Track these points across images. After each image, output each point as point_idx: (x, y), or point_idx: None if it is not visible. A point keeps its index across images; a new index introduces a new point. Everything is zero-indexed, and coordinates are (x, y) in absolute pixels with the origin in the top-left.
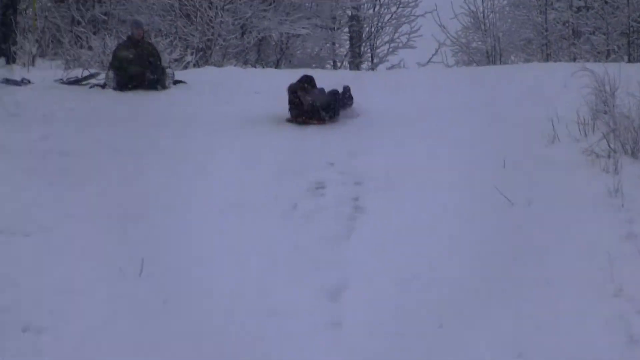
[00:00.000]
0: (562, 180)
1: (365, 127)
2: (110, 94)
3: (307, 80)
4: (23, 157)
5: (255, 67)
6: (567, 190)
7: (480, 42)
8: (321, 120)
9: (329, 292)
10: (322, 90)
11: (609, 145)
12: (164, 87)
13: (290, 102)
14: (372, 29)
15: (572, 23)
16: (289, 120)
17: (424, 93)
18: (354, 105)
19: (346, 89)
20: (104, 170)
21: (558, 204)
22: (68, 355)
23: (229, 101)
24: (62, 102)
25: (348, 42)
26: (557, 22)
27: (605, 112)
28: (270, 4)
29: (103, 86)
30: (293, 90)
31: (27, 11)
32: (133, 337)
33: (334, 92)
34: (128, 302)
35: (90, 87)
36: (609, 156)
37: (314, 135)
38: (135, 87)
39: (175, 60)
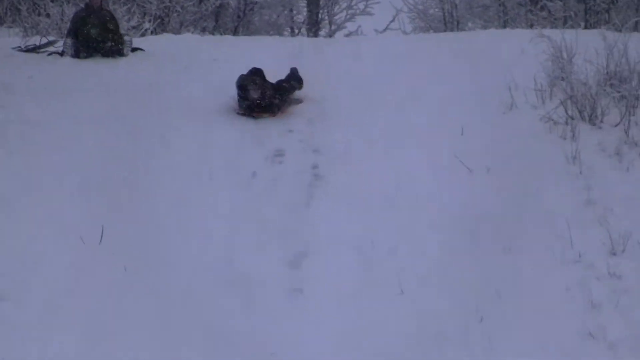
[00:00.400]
0: (521, 147)
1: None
2: (69, 61)
3: (256, 73)
4: None
5: (213, 34)
6: (526, 157)
7: (437, 9)
8: (272, 113)
9: (290, 260)
10: (270, 83)
11: (567, 112)
12: (122, 55)
13: (239, 96)
14: None
15: None
16: (240, 114)
17: (381, 61)
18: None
19: (293, 71)
20: (65, 140)
21: (517, 172)
22: (30, 322)
23: (188, 68)
24: (20, 71)
25: (306, 9)
26: None
27: (563, 79)
28: None
29: (61, 54)
30: (241, 86)
31: None
32: (95, 304)
33: (281, 81)
34: (89, 270)
35: (49, 55)
36: (566, 123)
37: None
38: (93, 55)
39: (133, 27)
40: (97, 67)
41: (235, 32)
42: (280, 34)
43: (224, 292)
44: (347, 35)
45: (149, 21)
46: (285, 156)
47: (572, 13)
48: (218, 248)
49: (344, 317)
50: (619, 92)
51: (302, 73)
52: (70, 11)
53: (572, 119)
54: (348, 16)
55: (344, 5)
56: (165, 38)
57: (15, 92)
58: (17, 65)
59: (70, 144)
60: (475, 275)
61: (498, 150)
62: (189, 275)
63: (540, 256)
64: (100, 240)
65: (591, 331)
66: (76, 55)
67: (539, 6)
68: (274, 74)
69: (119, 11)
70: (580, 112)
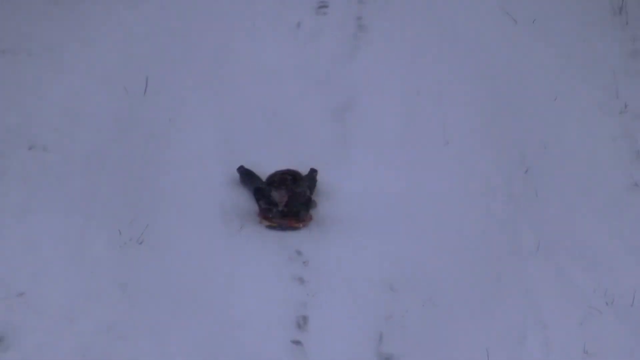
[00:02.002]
0: None
1: None
2: None
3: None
4: None
5: None
6: (572, 7)
7: None
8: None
9: (334, 110)
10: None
11: None
12: None
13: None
14: None
15: None
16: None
17: None
18: None
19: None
20: None
21: (562, 22)
22: (74, 173)
23: None
24: None
25: None
26: None
27: None
28: None
29: None
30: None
31: None
32: (139, 154)
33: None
34: (133, 121)
35: None
36: None
37: None
38: None
39: None
40: None
41: None
42: None
43: (268, 141)
44: None
45: None
46: (329, 7)
47: None
48: (262, 98)
49: (387, 166)
50: None
51: None
52: None
53: None
54: None
55: None
56: None
57: None
58: None
59: None
60: (520, 126)
61: (544, 1)
62: (236, 123)
63: (585, 107)
64: (145, 91)
65: (637, 181)
66: None
67: None
68: None
69: None
70: None
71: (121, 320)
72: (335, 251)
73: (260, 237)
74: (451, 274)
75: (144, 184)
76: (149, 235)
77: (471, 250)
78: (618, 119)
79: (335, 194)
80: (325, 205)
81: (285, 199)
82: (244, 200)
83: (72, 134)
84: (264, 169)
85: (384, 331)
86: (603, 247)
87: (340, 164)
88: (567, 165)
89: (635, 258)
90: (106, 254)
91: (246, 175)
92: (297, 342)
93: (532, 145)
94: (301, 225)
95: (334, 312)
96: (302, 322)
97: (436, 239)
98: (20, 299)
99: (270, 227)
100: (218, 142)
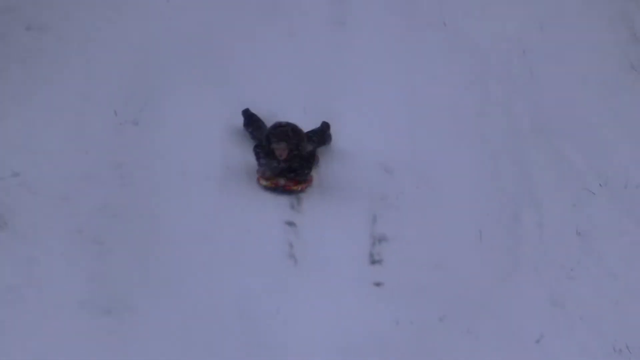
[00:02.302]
0: None
1: None
2: None
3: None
4: None
5: None
6: None
7: None
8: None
9: None
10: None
11: None
12: None
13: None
14: None
15: None
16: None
17: None
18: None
19: (325, 127)
20: None
21: None
22: (70, 53)
23: None
24: None
25: None
26: None
27: None
28: None
29: None
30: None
31: None
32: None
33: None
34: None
35: None
36: None
37: None
38: None
39: None
40: None
41: None
42: None
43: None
44: None
45: None
46: None
47: None
48: None
49: (388, 55)
50: None
51: None
52: None
53: None
54: None
55: None
56: None
57: None
58: None
59: None
60: (518, 2)
61: None
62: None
63: None
64: None
65: (633, 63)
66: None
67: None
68: None
69: None
70: None
71: (116, 199)
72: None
73: None
74: (446, 155)
75: (141, 65)
76: (144, 116)
77: (467, 131)
78: (615, 1)
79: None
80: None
81: (285, 153)
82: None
83: (68, 13)
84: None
85: (378, 212)
86: (598, 128)
87: (335, 44)
88: (564, 46)
89: (630, 140)
90: (102, 134)
91: (250, 119)
92: (291, 223)
93: (530, 26)
94: (299, 188)
95: (328, 194)
96: (295, 204)
97: (432, 120)
98: (15, 179)
99: (268, 188)
100: None
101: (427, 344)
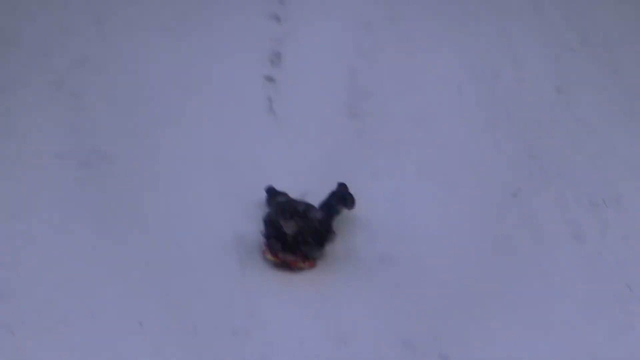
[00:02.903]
0: None
1: None
2: None
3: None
4: None
5: None
6: None
7: None
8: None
9: None
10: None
11: None
12: None
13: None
14: None
15: None
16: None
17: None
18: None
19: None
20: None
21: None
22: None
23: None
24: None
25: None
26: None
27: None
28: None
29: None
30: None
31: None
32: None
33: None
34: None
35: None
36: None
37: None
38: None
39: None
40: None
41: None
42: None
43: None
44: None
45: None
46: None
47: None
48: None
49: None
50: None
51: None
52: None
53: None
54: None
55: None
56: None
57: None
58: None
59: None
60: None
61: None
62: None
63: None
64: None
65: None
66: None
67: None
68: None
69: None
70: None
71: (95, 53)
72: None
73: None
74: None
75: None
76: None
77: None
78: None
79: None
80: None
81: (295, 230)
82: None
83: None
84: None
85: (358, 66)
86: None
87: None
88: None
89: None
90: None
91: (274, 197)
92: (269, 79)
93: None
94: (307, 265)
95: (307, 49)
96: (275, 59)
97: None
98: None
99: (273, 262)
100: None
101: (405, 195)
